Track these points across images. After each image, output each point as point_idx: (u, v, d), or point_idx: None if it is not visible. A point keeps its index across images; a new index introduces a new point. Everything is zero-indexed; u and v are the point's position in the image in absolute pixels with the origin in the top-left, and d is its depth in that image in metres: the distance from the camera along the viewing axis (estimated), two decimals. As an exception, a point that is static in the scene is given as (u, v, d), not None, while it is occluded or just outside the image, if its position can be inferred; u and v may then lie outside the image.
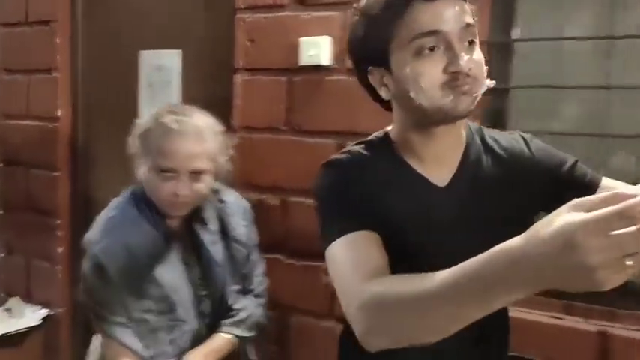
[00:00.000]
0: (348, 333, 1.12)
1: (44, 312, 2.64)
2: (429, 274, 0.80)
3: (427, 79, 0.97)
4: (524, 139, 1.15)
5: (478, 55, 0.99)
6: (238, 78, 2.13)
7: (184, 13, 2.36)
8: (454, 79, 0.96)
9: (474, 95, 0.98)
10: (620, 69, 1.68)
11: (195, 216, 1.63)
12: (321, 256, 1.87)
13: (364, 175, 1.06)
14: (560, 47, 1.79)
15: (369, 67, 1.05)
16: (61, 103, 2.58)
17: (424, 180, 1.08)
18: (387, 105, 1.11)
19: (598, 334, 1.66)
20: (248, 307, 1.68)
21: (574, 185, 1.11)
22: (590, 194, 1.04)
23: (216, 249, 1.63)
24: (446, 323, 0.81)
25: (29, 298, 2.70)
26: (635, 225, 0.62)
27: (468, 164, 1.10)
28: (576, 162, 1.13)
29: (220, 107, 2.11)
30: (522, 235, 0.71)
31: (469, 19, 0.98)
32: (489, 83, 1.00)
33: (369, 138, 1.14)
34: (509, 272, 0.71)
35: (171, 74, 2.39)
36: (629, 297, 1.63)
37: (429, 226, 1.06)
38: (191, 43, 2.35)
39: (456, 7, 0.97)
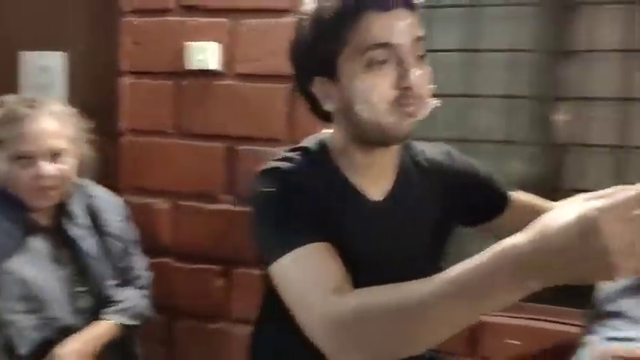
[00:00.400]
0: (262, 340, 1.15)
1: None
2: (414, 283, 0.77)
3: (376, 94, 0.94)
4: (447, 150, 1.19)
5: (426, 70, 0.98)
6: (124, 81, 2.12)
7: (68, 15, 2.31)
8: (403, 96, 0.94)
9: (417, 118, 0.97)
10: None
11: (62, 210, 1.60)
12: (210, 260, 1.91)
13: (305, 184, 1.01)
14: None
15: (314, 77, 1.01)
16: None
17: (360, 194, 1.06)
18: (325, 116, 1.07)
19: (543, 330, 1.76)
20: (131, 298, 1.68)
21: (491, 195, 1.19)
22: (505, 205, 1.17)
23: (89, 244, 1.61)
24: (436, 332, 0.77)
25: None
26: None
27: (402, 178, 1.11)
28: (493, 174, 1.21)
29: (107, 110, 2.10)
30: (523, 232, 0.69)
31: (420, 32, 0.97)
32: (434, 103, 0.98)
33: (303, 145, 1.10)
34: (516, 270, 0.68)
35: (55, 76, 2.33)
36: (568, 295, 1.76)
37: (367, 239, 1.05)
38: (76, 44, 2.30)
39: (409, 19, 0.95)
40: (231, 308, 2.00)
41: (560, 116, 1.82)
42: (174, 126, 2.06)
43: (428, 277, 0.76)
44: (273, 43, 1.89)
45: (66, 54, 2.31)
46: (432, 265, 1.04)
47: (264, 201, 0.99)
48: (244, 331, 1.45)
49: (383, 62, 0.94)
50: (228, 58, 1.97)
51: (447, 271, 0.75)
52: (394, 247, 1.07)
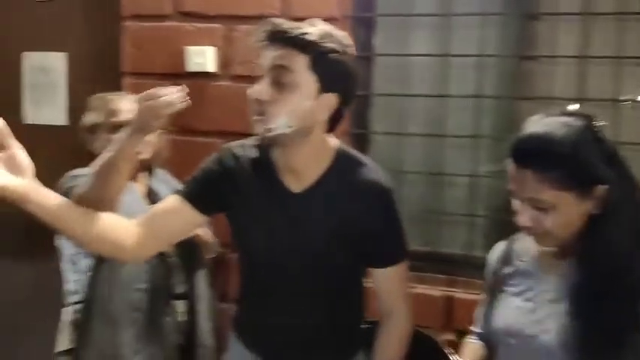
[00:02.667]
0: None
1: None
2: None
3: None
4: (379, 197, 1.36)
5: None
6: (125, 81, 2.27)
7: (70, 18, 2.44)
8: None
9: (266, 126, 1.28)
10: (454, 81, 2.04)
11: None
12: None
13: (236, 166, 1.38)
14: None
15: None
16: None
17: (281, 184, 1.37)
18: None
19: (444, 299, 2.02)
20: None
21: (370, 257, 1.40)
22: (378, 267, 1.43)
23: None
24: None
25: None
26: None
27: (325, 180, 1.35)
28: (385, 251, 1.41)
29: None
30: None
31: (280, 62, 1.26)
32: (282, 127, 1.27)
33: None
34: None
35: (58, 76, 2.47)
36: (467, 266, 2.00)
37: (271, 225, 1.38)
38: (77, 46, 2.44)
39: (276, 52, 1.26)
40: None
41: (524, 114, 2.01)
42: (173, 123, 2.20)
43: None
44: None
45: (67, 55, 2.45)
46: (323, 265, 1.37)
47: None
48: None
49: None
50: (224, 61, 2.15)
51: None
52: (294, 233, 1.36)
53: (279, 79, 1.25)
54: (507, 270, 1.31)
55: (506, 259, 1.33)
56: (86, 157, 1.77)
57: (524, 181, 1.14)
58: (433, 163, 2.09)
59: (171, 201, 1.39)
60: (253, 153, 1.40)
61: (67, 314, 1.89)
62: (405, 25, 2.12)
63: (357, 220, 1.34)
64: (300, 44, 1.24)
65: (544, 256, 1.26)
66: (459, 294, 2.01)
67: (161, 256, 1.76)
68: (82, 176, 1.59)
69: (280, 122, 1.26)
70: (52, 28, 2.48)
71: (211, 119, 2.18)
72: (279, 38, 1.25)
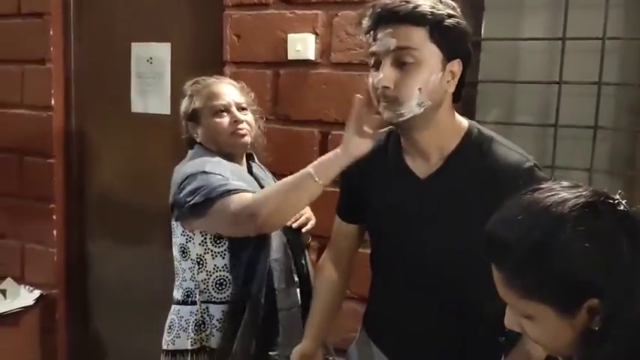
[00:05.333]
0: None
1: (37, 293, 2.76)
2: None
3: None
4: (525, 173, 1.22)
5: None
6: (227, 70, 2.28)
7: (174, 8, 2.49)
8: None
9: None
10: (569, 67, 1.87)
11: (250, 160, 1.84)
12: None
13: (369, 161, 1.38)
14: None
15: None
16: (54, 93, 2.70)
17: (408, 170, 1.34)
18: None
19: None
20: None
21: None
22: None
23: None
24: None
25: (23, 281, 2.82)
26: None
27: (451, 164, 1.29)
28: None
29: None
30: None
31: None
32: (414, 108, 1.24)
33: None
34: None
35: (162, 66, 2.53)
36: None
37: (402, 210, 1.34)
38: (181, 36, 2.49)
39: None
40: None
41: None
42: (272, 112, 2.21)
43: None
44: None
45: (171, 45, 2.50)
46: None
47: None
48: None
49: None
50: (324, 48, 2.11)
51: None
52: (426, 215, 1.31)
53: (402, 59, 1.21)
54: None
55: None
56: (186, 145, 1.80)
57: (496, 280, 0.91)
58: (543, 156, 1.95)
59: (338, 227, 1.53)
60: (380, 144, 1.39)
61: (187, 313, 1.67)
62: (517, 5, 1.98)
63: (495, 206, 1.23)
64: (416, 18, 1.20)
65: None
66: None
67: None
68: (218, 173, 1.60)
69: (412, 103, 1.22)
70: (157, 18, 2.54)
71: (311, 108, 2.15)
72: (393, 18, 1.21)
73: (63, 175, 2.77)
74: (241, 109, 1.74)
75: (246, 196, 1.54)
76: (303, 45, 2.11)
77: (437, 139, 1.29)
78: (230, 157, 1.71)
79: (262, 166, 1.89)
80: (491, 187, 1.22)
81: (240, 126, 1.71)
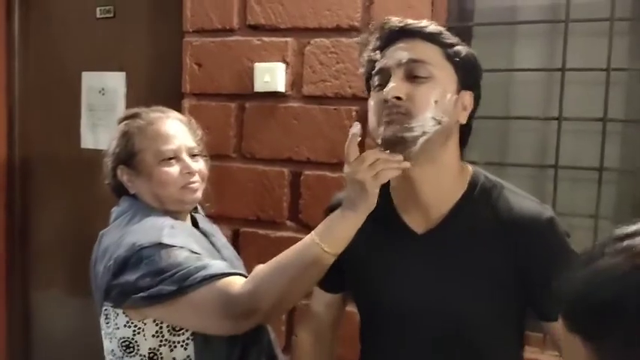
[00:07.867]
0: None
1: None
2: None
3: None
4: (548, 226, 1.11)
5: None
6: (185, 103, 2.07)
7: (129, 34, 2.30)
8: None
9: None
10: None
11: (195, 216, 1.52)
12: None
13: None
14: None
15: None
16: (-5, 126, 2.47)
17: (402, 224, 1.16)
18: None
19: None
20: None
21: (535, 306, 1.14)
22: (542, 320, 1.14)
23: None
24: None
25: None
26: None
27: (456, 215, 1.13)
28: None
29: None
30: None
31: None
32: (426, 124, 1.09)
33: None
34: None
35: (116, 97, 2.32)
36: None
37: (397, 272, 1.15)
38: (136, 65, 2.29)
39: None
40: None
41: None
42: (235, 149, 2.00)
43: None
44: (340, 63, 1.83)
45: (125, 74, 2.30)
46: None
47: None
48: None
49: None
50: (294, 79, 1.91)
51: None
52: (427, 276, 1.13)
53: (415, 72, 1.09)
54: None
55: None
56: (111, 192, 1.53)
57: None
58: (542, 200, 1.75)
59: (318, 297, 1.35)
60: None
61: None
62: (508, 34, 1.81)
63: (510, 260, 1.09)
64: (430, 35, 1.11)
65: None
66: None
67: None
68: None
69: (426, 116, 1.07)
70: (110, 45, 2.34)
71: (280, 145, 1.94)
72: (404, 33, 1.11)
73: (4, 218, 2.54)
74: (192, 155, 1.43)
75: (235, 285, 1.21)
76: (271, 75, 1.91)
77: (440, 183, 1.13)
78: (174, 214, 1.41)
79: (207, 218, 1.58)
80: (504, 239, 1.10)
81: (192, 179, 1.40)
